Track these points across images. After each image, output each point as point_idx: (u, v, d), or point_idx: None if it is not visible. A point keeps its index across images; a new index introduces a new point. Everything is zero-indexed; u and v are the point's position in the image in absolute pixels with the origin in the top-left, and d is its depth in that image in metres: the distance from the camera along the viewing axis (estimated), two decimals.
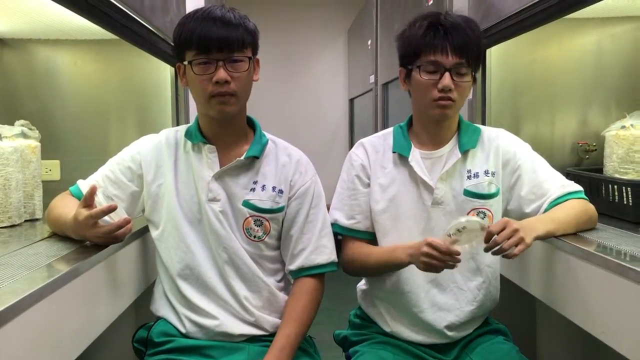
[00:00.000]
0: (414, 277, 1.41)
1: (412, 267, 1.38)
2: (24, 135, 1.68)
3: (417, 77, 1.37)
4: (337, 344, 1.59)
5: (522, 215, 1.41)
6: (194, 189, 1.38)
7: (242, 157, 1.38)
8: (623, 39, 2.08)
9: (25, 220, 1.63)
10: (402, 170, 1.45)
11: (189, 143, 1.41)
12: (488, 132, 1.49)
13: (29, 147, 1.65)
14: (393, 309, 1.46)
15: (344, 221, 1.49)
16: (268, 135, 1.46)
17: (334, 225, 1.50)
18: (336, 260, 1.45)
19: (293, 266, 1.42)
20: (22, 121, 1.73)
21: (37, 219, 1.67)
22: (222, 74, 1.29)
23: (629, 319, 1.07)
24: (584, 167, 2.03)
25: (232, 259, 1.37)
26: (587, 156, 2.09)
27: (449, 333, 1.43)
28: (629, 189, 1.48)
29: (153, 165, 1.41)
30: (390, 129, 1.52)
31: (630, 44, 2.07)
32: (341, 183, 1.53)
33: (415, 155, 1.43)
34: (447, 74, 1.33)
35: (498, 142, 1.46)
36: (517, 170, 1.43)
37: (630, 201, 1.47)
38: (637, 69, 2.07)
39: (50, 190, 1.83)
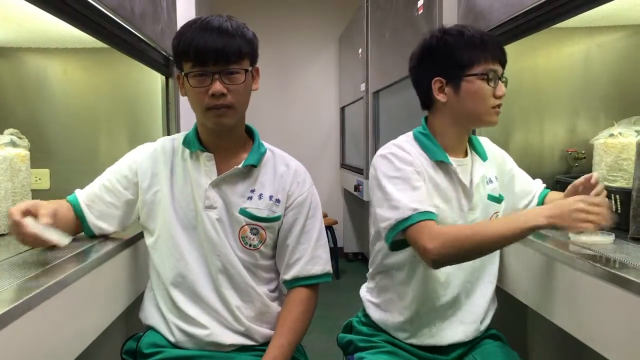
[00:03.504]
0: (435, 298, 1.43)
1: (433, 286, 1.42)
2: (13, 144, 1.67)
3: (476, 84, 1.36)
4: (339, 347, 1.59)
5: (514, 211, 1.54)
6: (190, 196, 1.38)
7: (240, 165, 1.38)
8: (610, 48, 2.10)
9: None
10: (443, 177, 1.42)
11: (187, 151, 1.41)
12: (482, 140, 1.58)
13: (18, 155, 1.64)
14: (406, 325, 1.46)
15: (424, 207, 1.29)
16: (266, 145, 1.47)
17: (410, 218, 1.28)
18: (331, 271, 1.45)
19: (288, 276, 1.41)
20: (11, 130, 1.72)
21: None
22: (217, 86, 1.28)
23: (618, 326, 1.07)
24: (573, 174, 2.04)
25: (226, 268, 1.37)
26: (576, 164, 2.11)
27: (459, 345, 1.46)
28: (617, 196, 1.50)
29: (149, 174, 1.41)
30: (406, 138, 1.47)
31: (617, 53, 2.10)
32: (393, 181, 1.34)
33: (453, 161, 1.43)
34: (501, 83, 1.39)
35: (490, 148, 1.57)
36: (509, 171, 1.56)
37: (619, 209, 1.48)
38: (624, 78, 2.09)
39: (40, 199, 1.82)
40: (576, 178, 1.80)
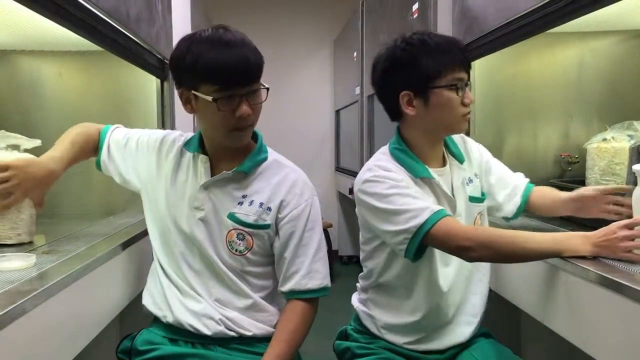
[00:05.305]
0: (435, 308, 1.42)
1: (432, 304, 1.41)
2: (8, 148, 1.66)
3: (444, 95, 1.34)
4: (335, 354, 1.58)
5: (493, 202, 1.54)
6: (183, 195, 1.41)
7: (229, 172, 1.38)
8: (603, 53, 2.12)
9: None
10: (428, 190, 1.41)
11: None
12: (456, 138, 1.53)
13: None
14: (404, 335, 1.46)
15: (436, 207, 1.31)
16: (272, 153, 1.47)
17: (429, 220, 1.27)
18: (329, 285, 1.43)
19: (285, 288, 1.41)
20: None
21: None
22: (246, 109, 1.31)
23: (611, 330, 1.08)
24: (567, 178, 2.06)
25: (212, 266, 1.39)
26: (569, 168, 2.12)
27: (455, 347, 1.46)
28: None
29: (161, 161, 1.46)
30: (384, 157, 1.44)
31: (610, 58, 2.11)
32: (392, 199, 1.32)
33: (434, 174, 1.41)
34: (467, 89, 1.37)
35: (464, 144, 1.54)
36: (486, 163, 1.54)
37: None
38: (617, 82, 2.11)
39: None
40: (570, 182, 1.82)
